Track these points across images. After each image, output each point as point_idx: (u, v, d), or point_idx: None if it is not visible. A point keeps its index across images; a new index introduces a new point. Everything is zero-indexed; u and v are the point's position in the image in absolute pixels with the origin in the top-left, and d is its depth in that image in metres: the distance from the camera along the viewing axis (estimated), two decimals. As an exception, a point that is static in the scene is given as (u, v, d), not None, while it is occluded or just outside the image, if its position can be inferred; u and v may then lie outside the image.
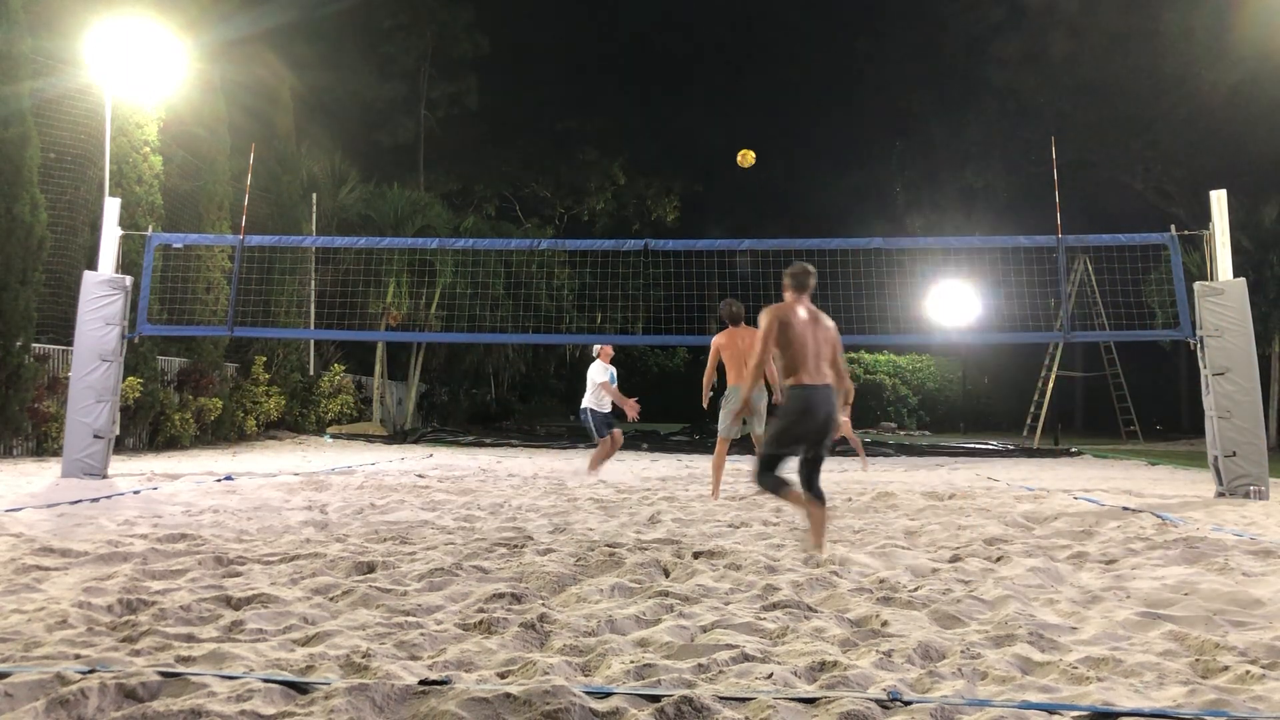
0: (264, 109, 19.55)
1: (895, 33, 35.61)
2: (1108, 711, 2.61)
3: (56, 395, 11.90)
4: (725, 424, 8.30)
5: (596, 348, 10.66)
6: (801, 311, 5.30)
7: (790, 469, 5.28)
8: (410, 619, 3.58)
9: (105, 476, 9.15)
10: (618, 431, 10.52)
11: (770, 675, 2.88)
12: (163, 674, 2.72)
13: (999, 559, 5.01)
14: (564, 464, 13.10)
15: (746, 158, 11.38)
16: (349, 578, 4.32)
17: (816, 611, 3.79)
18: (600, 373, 10.36)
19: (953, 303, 21.06)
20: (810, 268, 5.46)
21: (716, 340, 8.34)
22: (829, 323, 5.37)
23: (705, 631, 3.46)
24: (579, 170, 37.75)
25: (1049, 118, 28.40)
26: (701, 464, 13.83)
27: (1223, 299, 8.79)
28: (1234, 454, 8.57)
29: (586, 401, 10.40)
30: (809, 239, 10.47)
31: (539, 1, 37.60)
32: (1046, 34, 28.62)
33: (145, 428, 13.96)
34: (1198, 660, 3.13)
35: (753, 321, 6.13)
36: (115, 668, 2.79)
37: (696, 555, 5.02)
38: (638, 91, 42.15)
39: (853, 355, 30.22)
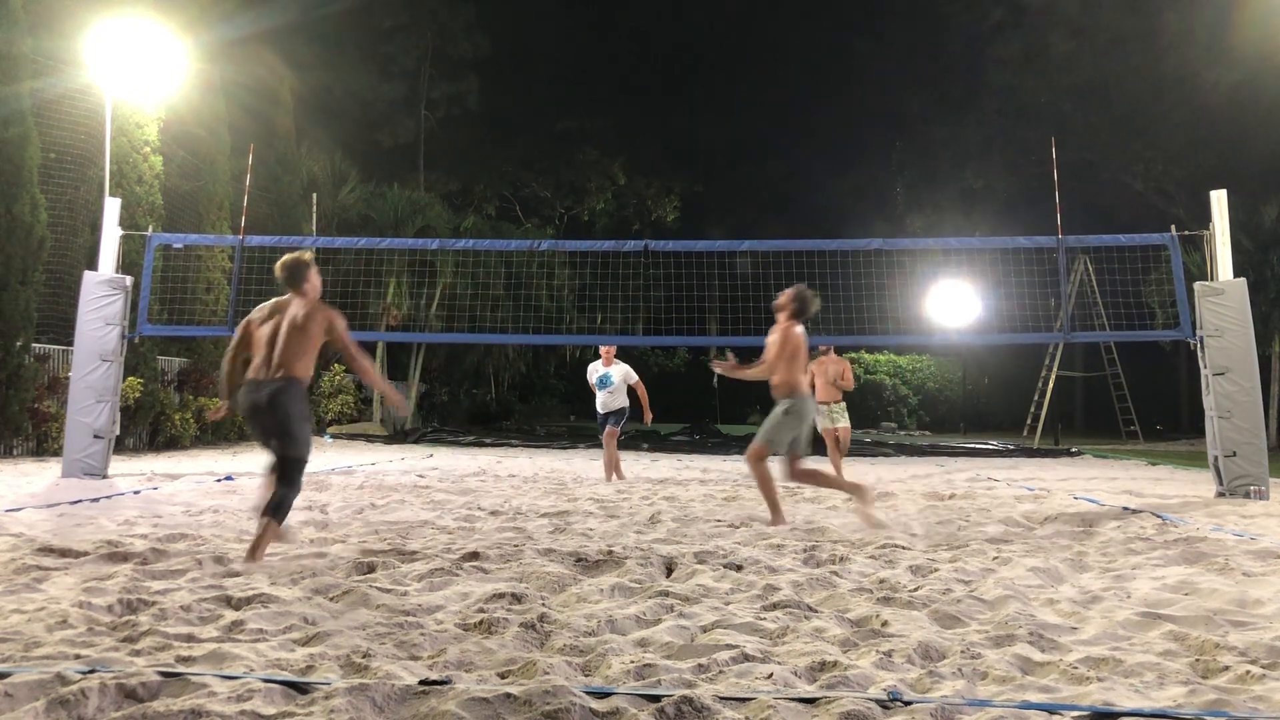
0: (264, 109, 19.55)
1: (895, 33, 35.62)
2: (1108, 711, 2.61)
3: (56, 395, 11.90)
4: None
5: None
6: (287, 310, 5.06)
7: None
8: (410, 619, 3.57)
9: (105, 476, 9.15)
10: (607, 431, 10.32)
11: (770, 675, 2.88)
12: (163, 674, 2.72)
13: (999, 559, 5.01)
14: (564, 464, 13.09)
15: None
16: (349, 578, 4.32)
17: (816, 611, 3.79)
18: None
19: (953, 303, 21.02)
20: (289, 261, 5.11)
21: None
22: (294, 313, 5.01)
23: (705, 631, 3.46)
24: (579, 170, 37.73)
25: (1049, 118, 28.34)
26: (701, 463, 13.81)
27: (1223, 299, 8.79)
28: (1234, 454, 8.57)
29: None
30: (809, 240, 10.47)
31: (539, 1, 37.59)
32: (1046, 34, 28.60)
33: (145, 428, 13.96)
34: (1198, 660, 3.13)
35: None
36: (115, 668, 2.79)
37: (696, 555, 5.02)
38: (638, 91, 42.12)
39: (853, 355, 30.20)
